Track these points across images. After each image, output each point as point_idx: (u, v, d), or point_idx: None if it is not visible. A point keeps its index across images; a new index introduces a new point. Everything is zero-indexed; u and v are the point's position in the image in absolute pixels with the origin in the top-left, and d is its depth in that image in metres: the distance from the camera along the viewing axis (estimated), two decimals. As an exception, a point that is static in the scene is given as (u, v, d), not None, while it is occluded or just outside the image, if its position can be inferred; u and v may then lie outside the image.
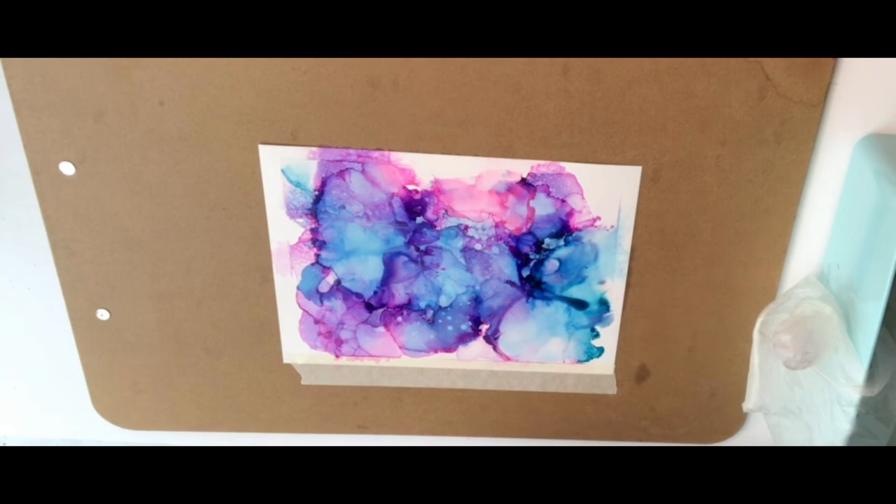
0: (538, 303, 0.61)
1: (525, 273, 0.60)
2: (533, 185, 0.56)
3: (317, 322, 0.62)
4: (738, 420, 0.67)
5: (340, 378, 0.65)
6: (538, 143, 0.54)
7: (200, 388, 0.65)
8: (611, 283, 0.60)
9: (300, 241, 0.58)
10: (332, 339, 0.63)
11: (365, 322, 0.62)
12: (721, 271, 0.60)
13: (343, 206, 0.57)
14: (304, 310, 0.61)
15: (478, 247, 0.59)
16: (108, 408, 0.66)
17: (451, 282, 0.60)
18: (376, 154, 0.55)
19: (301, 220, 0.57)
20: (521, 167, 0.55)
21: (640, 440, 0.68)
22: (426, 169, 0.56)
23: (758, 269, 0.59)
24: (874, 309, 0.50)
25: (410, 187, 0.56)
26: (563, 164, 0.55)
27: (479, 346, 0.63)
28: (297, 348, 0.63)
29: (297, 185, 0.56)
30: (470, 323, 0.62)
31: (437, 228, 0.58)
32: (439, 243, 0.58)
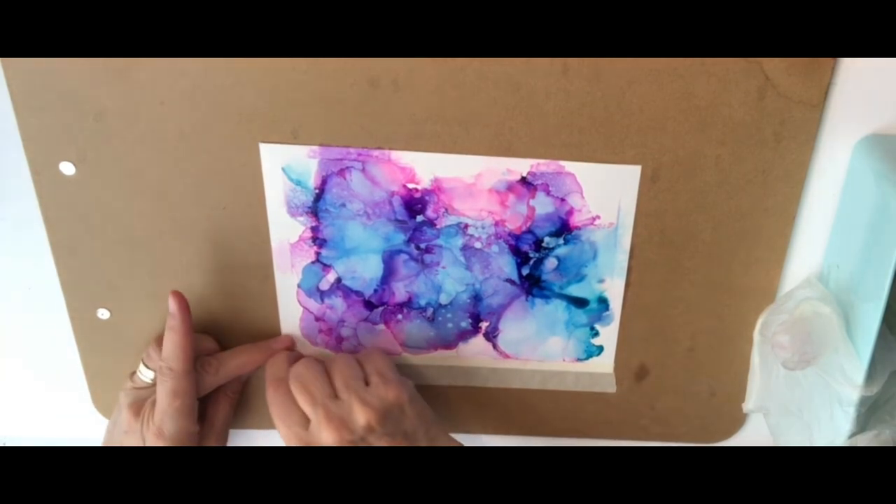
0: (538, 301, 0.61)
1: (525, 271, 0.60)
2: (533, 184, 0.56)
3: (317, 320, 0.62)
4: (738, 420, 0.67)
5: (340, 377, 0.65)
6: (538, 142, 0.54)
7: (201, 386, 0.65)
8: (610, 281, 0.60)
9: (301, 239, 0.58)
10: (332, 336, 0.63)
11: (365, 320, 0.62)
12: (721, 271, 0.60)
13: (343, 205, 0.57)
14: (304, 308, 0.61)
15: (478, 245, 0.59)
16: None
17: (450, 280, 0.60)
18: (376, 153, 0.55)
19: (302, 219, 0.57)
20: (520, 166, 0.55)
21: (640, 439, 0.68)
22: (426, 168, 0.56)
23: (758, 269, 0.59)
24: (874, 309, 0.50)
25: (410, 186, 0.56)
26: (562, 162, 0.55)
27: (478, 343, 0.63)
28: (297, 346, 0.63)
29: (298, 183, 0.56)
30: (470, 320, 0.62)
31: (437, 227, 0.58)
32: (439, 242, 0.58)
